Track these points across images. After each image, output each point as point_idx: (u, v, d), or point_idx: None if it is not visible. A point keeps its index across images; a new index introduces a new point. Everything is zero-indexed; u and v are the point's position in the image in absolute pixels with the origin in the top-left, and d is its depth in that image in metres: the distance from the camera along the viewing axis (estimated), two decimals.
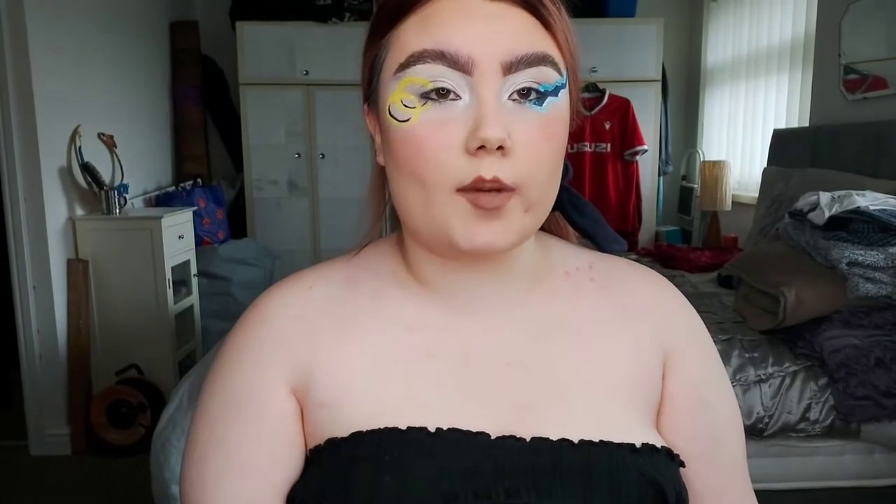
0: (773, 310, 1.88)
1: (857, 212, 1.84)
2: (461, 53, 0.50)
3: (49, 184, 2.53)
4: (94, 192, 2.74)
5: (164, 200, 3.32)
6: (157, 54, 3.60)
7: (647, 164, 3.91)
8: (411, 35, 0.52)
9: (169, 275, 2.75)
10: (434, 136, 0.51)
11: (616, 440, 0.54)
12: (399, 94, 0.52)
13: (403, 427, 0.53)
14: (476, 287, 0.59)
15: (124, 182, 2.90)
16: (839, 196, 1.94)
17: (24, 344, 2.58)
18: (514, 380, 0.57)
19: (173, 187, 3.56)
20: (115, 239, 2.70)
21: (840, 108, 2.76)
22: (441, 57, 0.50)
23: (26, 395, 2.62)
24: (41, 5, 2.47)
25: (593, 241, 0.67)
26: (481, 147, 0.49)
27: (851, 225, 1.86)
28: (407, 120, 0.52)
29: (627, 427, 0.56)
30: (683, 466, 0.59)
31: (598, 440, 0.54)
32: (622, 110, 3.71)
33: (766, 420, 1.78)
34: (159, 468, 1.48)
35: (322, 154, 3.76)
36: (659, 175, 4.03)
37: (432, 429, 0.53)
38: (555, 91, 0.53)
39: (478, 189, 0.50)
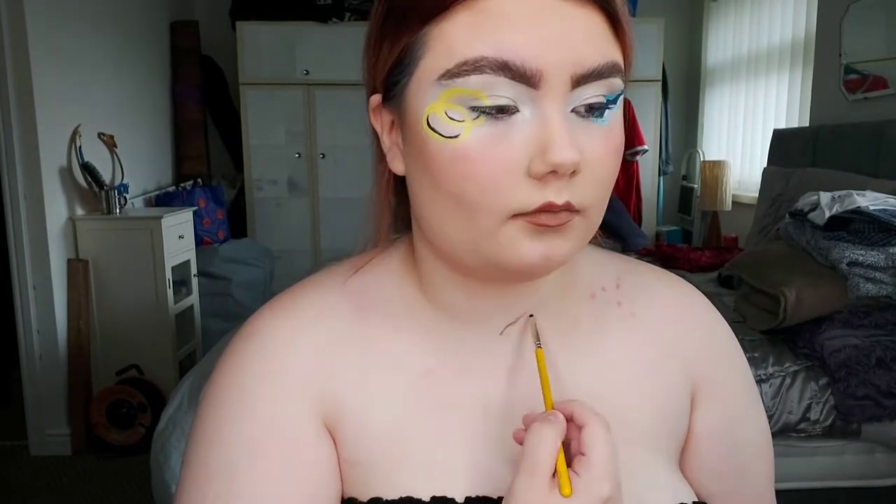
0: (773, 310, 1.87)
1: (858, 212, 1.84)
2: (529, 66, 0.42)
3: (49, 184, 2.53)
4: (94, 191, 2.74)
5: (164, 200, 3.31)
6: (157, 54, 3.60)
7: (648, 164, 3.90)
8: (462, 35, 0.43)
9: (169, 275, 2.75)
10: (489, 157, 0.43)
11: (649, 501, 0.51)
12: (443, 104, 0.44)
13: (427, 498, 0.48)
14: (501, 315, 0.54)
15: (124, 182, 2.91)
16: (839, 196, 1.94)
17: (24, 344, 2.58)
18: None
19: (173, 187, 3.56)
20: (115, 239, 2.70)
21: (840, 108, 2.76)
22: (504, 68, 0.42)
23: (26, 395, 2.62)
24: (41, 5, 2.47)
25: (618, 236, 0.64)
26: (551, 172, 0.43)
27: (852, 225, 1.86)
28: (455, 136, 0.44)
29: (656, 479, 0.53)
30: None
31: None
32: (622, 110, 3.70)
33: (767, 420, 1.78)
34: (159, 468, 1.48)
35: (322, 154, 3.76)
36: (659, 175, 4.03)
37: (460, 499, 0.48)
38: (615, 100, 0.46)
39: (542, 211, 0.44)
